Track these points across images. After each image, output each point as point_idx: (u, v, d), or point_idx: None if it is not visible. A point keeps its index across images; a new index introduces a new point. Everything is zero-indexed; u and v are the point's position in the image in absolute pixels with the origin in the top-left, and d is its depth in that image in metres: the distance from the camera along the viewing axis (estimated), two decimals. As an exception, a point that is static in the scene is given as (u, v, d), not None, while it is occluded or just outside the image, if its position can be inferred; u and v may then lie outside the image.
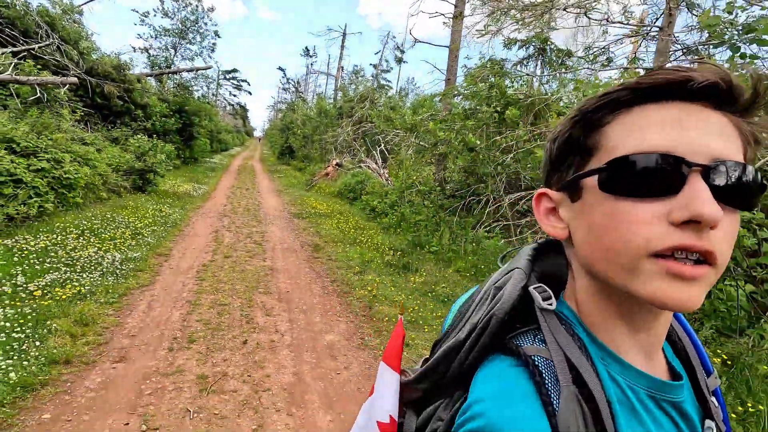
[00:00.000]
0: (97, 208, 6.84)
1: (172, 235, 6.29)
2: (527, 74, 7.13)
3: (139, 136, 10.39)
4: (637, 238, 0.40)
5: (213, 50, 20.70)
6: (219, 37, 20.90)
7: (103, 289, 3.89)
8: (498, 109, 5.58)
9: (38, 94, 7.31)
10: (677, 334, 0.55)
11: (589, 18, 5.72)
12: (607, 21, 5.43)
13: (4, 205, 5.14)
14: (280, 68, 53.72)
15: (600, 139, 0.44)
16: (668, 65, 0.42)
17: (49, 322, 3.12)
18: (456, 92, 6.68)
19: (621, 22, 5.56)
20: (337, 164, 15.23)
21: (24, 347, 2.78)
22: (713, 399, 0.53)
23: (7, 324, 2.99)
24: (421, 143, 8.27)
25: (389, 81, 21.37)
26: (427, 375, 0.55)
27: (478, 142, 5.16)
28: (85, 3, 13.69)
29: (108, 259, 4.64)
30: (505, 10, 6.52)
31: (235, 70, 45.38)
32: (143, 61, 18.97)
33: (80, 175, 6.68)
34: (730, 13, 3.36)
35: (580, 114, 0.46)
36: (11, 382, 2.41)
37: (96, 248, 4.90)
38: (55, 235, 5.00)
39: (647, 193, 0.40)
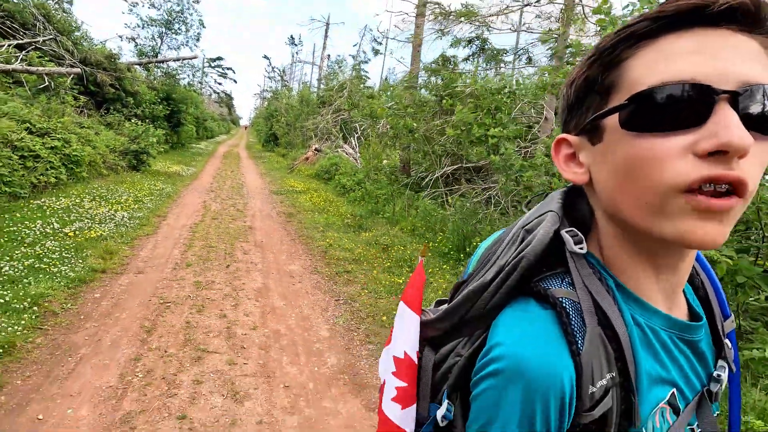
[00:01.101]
0: (100, 182, 7.96)
1: (167, 203, 7.47)
2: (459, 71, 8.40)
3: (133, 122, 11.40)
4: (664, 174, 0.38)
5: (198, 39, 21.51)
6: (204, 27, 21.71)
7: (119, 235, 5.10)
8: (437, 96, 6.85)
9: (46, 83, 8.32)
10: (699, 277, 0.56)
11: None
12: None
13: (28, 175, 6.26)
14: (265, 56, 54.06)
15: (620, 76, 0.42)
16: None
17: (84, 252, 4.33)
18: (408, 84, 7.94)
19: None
20: (316, 149, 16.39)
21: (72, 262, 4.00)
22: (727, 341, 0.54)
23: (57, 250, 4.20)
24: (382, 129, 9.51)
25: (366, 72, 22.45)
26: (449, 315, 0.54)
27: (415, 125, 6.43)
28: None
29: (118, 216, 5.82)
30: (453, 17, 7.75)
31: (219, 58, 45.73)
32: (130, 50, 19.70)
33: (85, 153, 7.79)
34: None
35: (597, 53, 0.44)
36: (72, 277, 3.65)
37: (107, 208, 6.08)
38: (72, 199, 6.16)
39: (672, 126, 0.38)
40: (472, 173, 7.34)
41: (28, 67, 7.96)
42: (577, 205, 0.52)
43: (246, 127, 59.62)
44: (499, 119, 4.84)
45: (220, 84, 47.87)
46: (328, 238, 6.10)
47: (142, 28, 19.40)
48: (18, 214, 5.00)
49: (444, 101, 6.63)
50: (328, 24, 31.38)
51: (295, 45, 42.05)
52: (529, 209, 0.56)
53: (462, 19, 6.53)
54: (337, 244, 5.86)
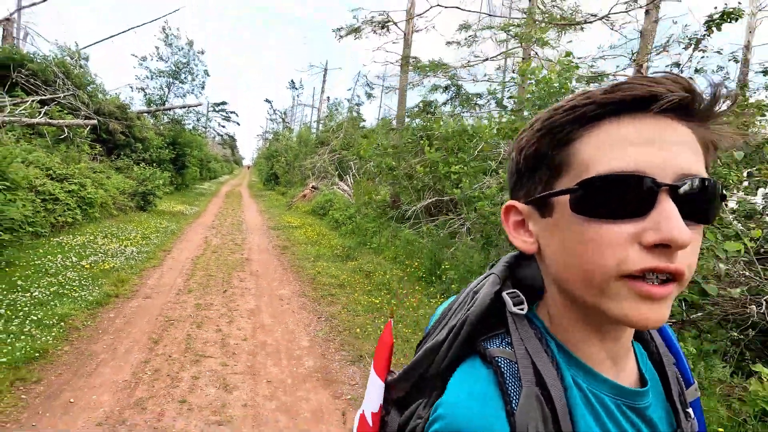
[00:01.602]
0: (111, 221, 8.68)
1: (172, 239, 8.14)
2: (437, 116, 9.30)
3: (141, 166, 12.30)
4: (608, 260, 0.40)
5: (203, 87, 22.99)
6: (208, 75, 23.25)
7: (129, 267, 5.73)
8: (414, 139, 7.67)
9: (66, 134, 9.24)
10: (655, 343, 0.56)
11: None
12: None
13: (48, 216, 6.98)
14: (267, 100, 56.44)
15: (570, 155, 0.44)
16: (635, 77, 0.43)
17: (99, 280, 4.96)
18: (388, 127, 8.82)
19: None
20: (313, 187, 17.24)
21: (90, 289, 4.62)
22: (689, 410, 0.54)
23: (76, 279, 4.83)
24: (372, 167, 10.33)
25: (361, 114, 23.77)
26: (408, 374, 0.57)
27: (394, 164, 7.20)
28: (88, 46, 15.85)
29: (128, 251, 6.49)
30: (428, 69, 8.73)
31: (224, 103, 47.88)
32: (140, 99, 21.06)
33: (98, 195, 8.57)
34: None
35: (546, 129, 0.45)
36: (90, 300, 4.27)
37: (118, 244, 6.76)
38: (87, 237, 6.84)
39: (619, 214, 0.41)
40: (450, 205, 8.04)
41: (50, 120, 8.91)
42: (530, 269, 0.55)
43: (249, 167, 61.24)
44: (461, 158, 5.59)
45: (223, 126, 49.72)
46: (317, 267, 6.71)
47: (151, 78, 20.88)
48: (41, 250, 5.67)
49: (422, 141, 7.44)
50: (326, 70, 33.30)
51: (296, 89, 44.08)
52: (491, 268, 0.58)
53: (431, 72, 7.49)
54: (325, 272, 6.47)
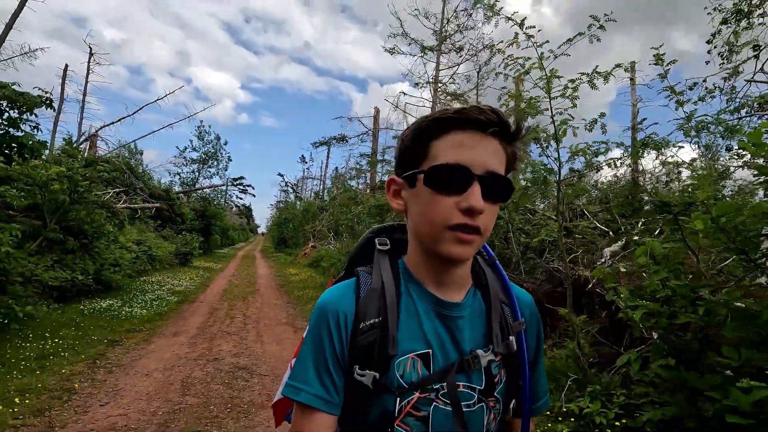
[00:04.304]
0: (166, 271, 12.74)
1: (208, 280, 12.10)
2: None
3: (183, 234, 16.64)
4: (442, 217, 0.65)
5: (226, 170, 28.24)
6: (231, 160, 28.60)
7: (188, 290, 9.67)
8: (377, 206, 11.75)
9: (138, 214, 13.64)
10: (489, 288, 0.78)
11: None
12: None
13: (133, 266, 11.06)
14: (279, 174, 62.82)
15: (428, 149, 0.68)
16: (474, 106, 0.67)
17: (176, 296, 8.88)
18: (350, 195, 12.98)
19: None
20: (312, 246, 21.26)
21: (172, 298, 8.54)
22: (511, 337, 0.75)
23: (163, 295, 8.78)
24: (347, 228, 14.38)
25: (352, 186, 28.53)
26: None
27: (360, 227, 11.19)
28: (136, 140, 20.98)
29: (184, 284, 10.45)
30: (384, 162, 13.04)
31: (242, 177, 53.74)
32: (175, 181, 26.17)
33: (160, 253, 12.72)
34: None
35: (419, 130, 0.70)
36: (174, 302, 8.20)
37: (177, 281, 10.75)
38: (157, 277, 10.87)
39: (449, 191, 0.65)
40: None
41: (130, 205, 13.33)
42: (404, 235, 0.80)
43: (263, 234, 65.90)
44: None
45: (240, 198, 55.21)
46: (301, 292, 10.52)
47: (186, 165, 26.17)
48: (134, 285, 9.67)
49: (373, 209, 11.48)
50: (329, 148, 38.95)
51: (305, 162, 49.85)
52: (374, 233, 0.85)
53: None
54: (306, 294, 10.27)
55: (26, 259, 5.99)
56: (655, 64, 4.26)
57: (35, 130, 5.74)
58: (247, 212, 63.14)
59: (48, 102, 5.60)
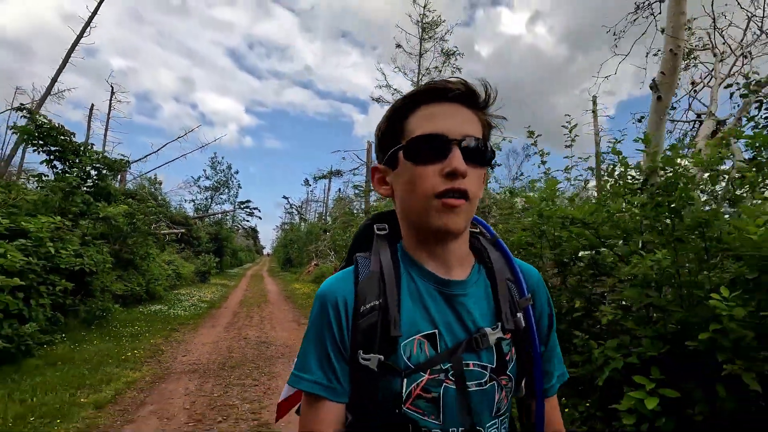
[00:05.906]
0: (189, 287, 15.07)
1: (227, 294, 14.41)
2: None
3: (202, 255, 19.03)
4: (427, 186, 0.67)
5: (237, 196, 30.80)
6: (240, 188, 31.22)
7: (214, 300, 11.97)
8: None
9: (166, 239, 16.06)
10: (493, 266, 0.78)
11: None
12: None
13: (166, 282, 13.37)
14: (284, 197, 65.40)
15: (405, 126, 0.71)
16: (441, 79, 0.71)
17: (204, 304, 11.18)
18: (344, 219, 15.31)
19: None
20: (315, 264, 23.53)
21: (203, 305, 10.85)
22: (519, 313, 0.74)
23: (196, 303, 11.09)
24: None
25: (353, 209, 31.06)
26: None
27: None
28: (154, 169, 23.54)
29: (209, 297, 12.77)
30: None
31: (248, 201, 56.49)
32: (190, 207, 28.74)
33: (184, 272, 15.07)
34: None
35: (393, 111, 0.73)
36: (204, 308, 10.52)
37: (203, 293, 13.08)
38: (186, 291, 13.20)
39: (430, 159, 0.67)
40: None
41: (164, 232, 15.75)
42: (396, 221, 0.81)
43: (269, 254, 67.96)
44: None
45: (247, 221, 57.68)
46: (304, 300, 12.77)
47: (200, 193, 28.77)
48: (170, 296, 11.97)
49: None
50: (331, 173, 41.64)
51: (309, 185, 52.49)
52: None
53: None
54: (308, 302, 12.52)
55: (109, 273, 8.33)
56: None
57: (113, 181, 8.22)
58: (253, 234, 65.58)
59: (127, 164, 8.07)
